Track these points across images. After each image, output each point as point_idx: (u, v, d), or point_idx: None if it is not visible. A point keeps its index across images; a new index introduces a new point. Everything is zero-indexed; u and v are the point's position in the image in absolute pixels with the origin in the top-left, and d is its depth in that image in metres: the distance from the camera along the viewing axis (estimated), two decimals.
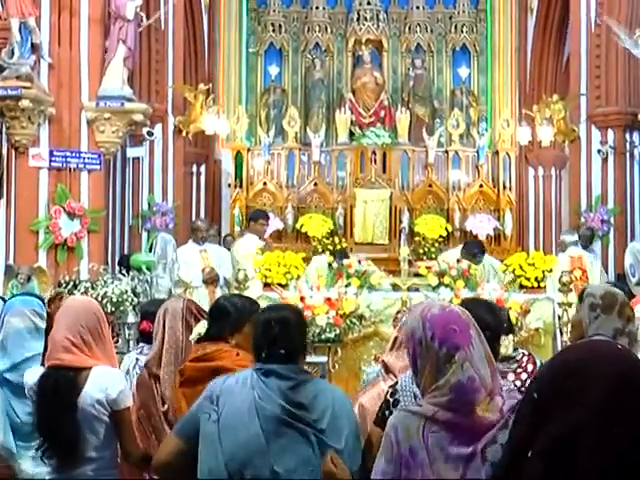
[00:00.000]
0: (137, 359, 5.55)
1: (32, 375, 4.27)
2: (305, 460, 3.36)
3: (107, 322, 4.39)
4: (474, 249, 11.24)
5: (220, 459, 3.38)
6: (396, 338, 4.41)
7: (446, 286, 9.11)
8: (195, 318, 4.76)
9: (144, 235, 13.51)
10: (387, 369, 4.29)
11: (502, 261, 10.07)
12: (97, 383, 4.07)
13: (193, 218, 16.63)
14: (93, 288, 9.17)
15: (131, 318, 9.22)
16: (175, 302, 5.12)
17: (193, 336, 4.44)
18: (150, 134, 12.86)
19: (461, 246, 11.73)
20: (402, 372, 4.05)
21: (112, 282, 9.45)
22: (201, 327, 4.42)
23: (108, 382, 4.10)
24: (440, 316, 3.06)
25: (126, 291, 9.39)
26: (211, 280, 10.96)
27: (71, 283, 9.37)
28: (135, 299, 9.43)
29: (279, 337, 3.57)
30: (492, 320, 3.84)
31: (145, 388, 4.73)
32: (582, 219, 14.17)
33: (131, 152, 13.34)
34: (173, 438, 3.69)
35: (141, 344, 5.82)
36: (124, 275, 9.76)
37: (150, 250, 11.81)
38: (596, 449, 1.77)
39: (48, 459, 4.11)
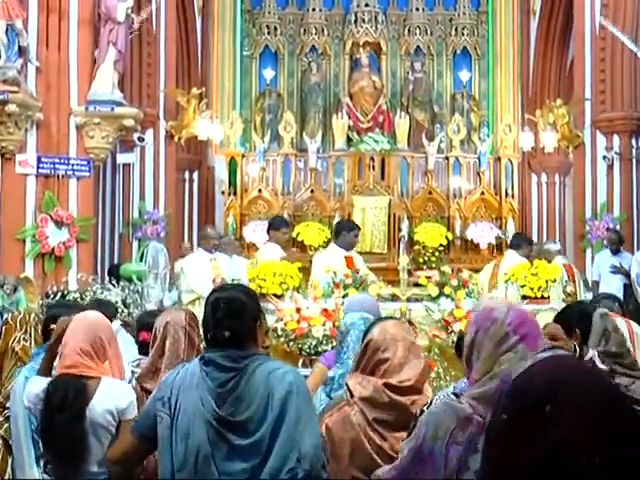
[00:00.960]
0: (133, 372, 5.53)
1: (36, 384, 4.32)
2: (249, 469, 3.37)
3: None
4: (518, 241, 11.40)
5: (173, 464, 3.46)
6: (362, 356, 4.27)
7: (447, 296, 9.10)
8: (197, 331, 4.74)
9: (135, 244, 13.50)
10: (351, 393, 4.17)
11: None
12: (107, 393, 4.15)
13: (185, 226, 16.65)
14: (82, 299, 9.15)
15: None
16: (176, 314, 5.09)
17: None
18: (141, 140, 12.87)
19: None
20: (361, 402, 4.03)
21: (101, 292, 9.44)
22: None
23: (118, 393, 4.19)
24: (522, 310, 3.15)
25: (116, 302, 9.36)
26: None
27: (59, 294, 9.34)
28: (125, 310, 9.41)
29: (225, 318, 3.55)
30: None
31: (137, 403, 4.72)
32: (587, 227, 14.19)
33: (121, 158, 13.33)
34: (127, 436, 3.83)
35: (138, 356, 5.80)
36: (114, 285, 9.75)
37: (141, 259, 11.80)
38: (576, 470, 1.76)
39: (51, 470, 4.13)
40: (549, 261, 11.32)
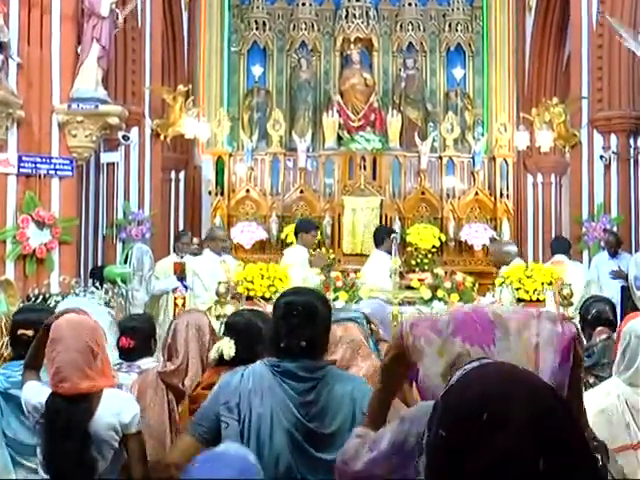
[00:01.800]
0: (112, 376, 5.55)
1: (33, 392, 4.25)
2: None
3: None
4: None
5: None
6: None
7: (440, 299, 9.13)
8: (215, 335, 4.77)
9: (119, 246, 13.47)
10: None
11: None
12: (109, 408, 4.10)
13: (171, 228, 16.63)
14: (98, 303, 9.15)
15: None
16: (198, 316, 5.15)
17: (214, 356, 4.36)
18: (126, 138, 12.85)
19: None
20: None
21: (84, 296, 9.41)
22: (227, 347, 4.32)
23: (120, 406, 4.14)
24: (460, 318, 3.16)
25: (99, 305, 9.35)
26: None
27: (41, 297, 9.32)
28: None
29: (300, 326, 3.47)
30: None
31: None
32: (583, 229, 14.22)
33: (105, 157, 13.32)
34: (187, 437, 3.66)
35: (118, 361, 5.82)
36: (97, 288, 9.72)
37: (125, 261, 11.80)
38: (524, 477, 1.78)
39: None
40: (507, 263, 11.41)
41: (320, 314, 3.56)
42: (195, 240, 13.40)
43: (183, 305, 11.42)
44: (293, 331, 3.47)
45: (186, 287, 11.56)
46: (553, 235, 17.31)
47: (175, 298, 11.52)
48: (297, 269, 10.22)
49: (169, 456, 3.81)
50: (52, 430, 4.05)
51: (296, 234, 12.08)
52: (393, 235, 11.40)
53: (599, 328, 6.13)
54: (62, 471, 4.02)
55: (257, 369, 3.52)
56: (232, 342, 4.25)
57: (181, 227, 17.04)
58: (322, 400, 3.39)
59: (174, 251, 12.62)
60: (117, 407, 4.12)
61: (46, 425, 4.08)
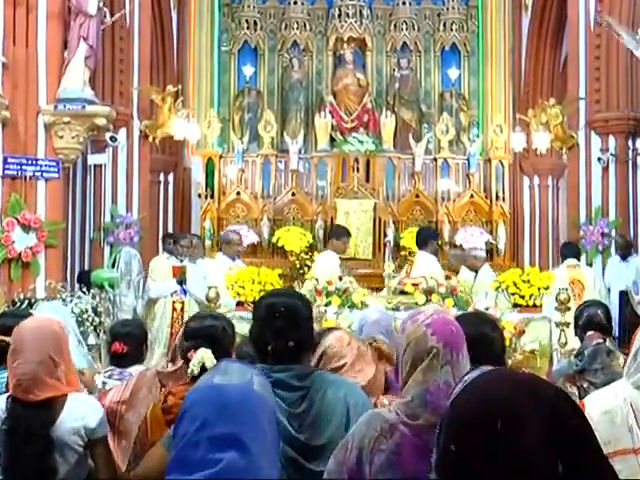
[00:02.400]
0: (104, 382, 5.54)
1: None
2: None
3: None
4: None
5: None
6: (322, 354, 4.37)
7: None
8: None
9: (106, 249, 13.44)
10: None
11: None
12: (74, 412, 4.07)
13: (160, 231, 16.60)
14: (65, 305, 9.13)
15: (92, 339, 9.19)
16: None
17: (196, 370, 4.26)
18: (113, 140, 12.82)
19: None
20: None
21: (71, 300, 9.42)
22: (209, 359, 4.24)
23: (86, 411, 4.11)
24: (443, 316, 3.18)
25: (86, 310, 9.36)
26: None
27: (26, 301, 9.30)
28: (96, 319, 9.40)
29: (286, 327, 3.47)
30: (498, 336, 3.95)
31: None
32: (581, 232, 14.23)
33: (93, 159, 13.29)
34: (162, 449, 3.61)
35: (110, 367, 5.81)
36: (84, 293, 9.73)
37: (113, 266, 11.79)
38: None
39: None
40: (475, 269, 11.46)
41: (303, 315, 3.58)
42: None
43: (182, 310, 11.41)
44: (279, 333, 3.46)
45: (185, 291, 11.51)
46: (550, 239, 17.37)
47: (173, 302, 11.50)
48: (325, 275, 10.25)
49: (140, 468, 3.79)
50: (13, 436, 4.01)
51: (329, 239, 12.16)
52: (345, 239, 11.56)
53: (589, 333, 6.15)
54: (23, 477, 4.00)
55: None
56: (210, 352, 4.22)
57: (170, 231, 17.01)
58: (314, 409, 3.37)
59: (172, 254, 12.39)
60: (82, 412, 4.09)
61: (6, 431, 4.04)
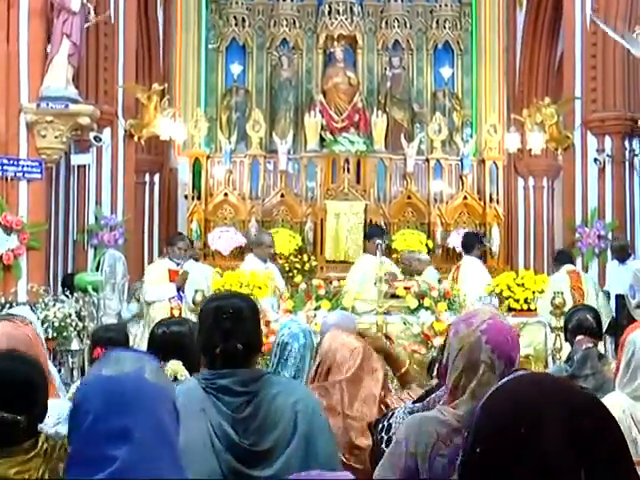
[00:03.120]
0: None
1: None
2: None
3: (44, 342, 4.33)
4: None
5: None
6: (319, 364, 4.40)
7: (426, 309, 9.14)
8: None
9: (90, 252, 13.41)
10: None
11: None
12: (49, 418, 4.03)
13: (145, 233, 16.59)
14: (33, 311, 9.09)
15: (75, 345, 9.18)
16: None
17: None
18: (98, 139, 12.81)
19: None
20: (329, 414, 4.09)
21: (54, 305, 9.40)
22: (180, 370, 4.23)
23: (60, 417, 4.08)
24: (499, 322, 3.16)
25: (70, 315, 9.35)
26: None
27: (7, 305, 9.29)
28: (80, 323, 9.40)
29: (234, 329, 3.47)
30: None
31: None
32: (577, 234, 14.25)
33: (76, 159, 13.27)
34: None
35: None
36: (68, 297, 9.72)
37: (97, 269, 11.77)
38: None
39: None
40: (419, 272, 11.52)
41: (250, 316, 3.58)
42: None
43: (180, 316, 11.34)
44: (227, 335, 3.46)
45: (181, 298, 11.39)
46: (545, 241, 17.41)
47: (172, 309, 11.44)
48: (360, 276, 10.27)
49: None
50: None
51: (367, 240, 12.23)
52: (378, 240, 11.47)
53: (579, 337, 6.16)
54: None
55: (189, 386, 3.50)
56: (180, 364, 4.22)
57: (156, 233, 17.01)
58: (261, 414, 3.37)
59: (168, 257, 12.29)
60: (55, 418, 4.07)
61: None
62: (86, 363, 8.75)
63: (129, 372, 2.49)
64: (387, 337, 8.60)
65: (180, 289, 11.33)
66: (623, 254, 12.94)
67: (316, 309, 9.12)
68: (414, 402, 3.75)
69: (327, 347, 4.49)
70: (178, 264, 11.73)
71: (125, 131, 14.13)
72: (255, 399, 3.40)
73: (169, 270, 11.58)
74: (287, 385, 3.61)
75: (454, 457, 2.88)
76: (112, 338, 5.86)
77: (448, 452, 2.93)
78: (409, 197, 17.11)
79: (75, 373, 8.95)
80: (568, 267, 12.27)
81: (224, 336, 3.47)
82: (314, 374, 4.47)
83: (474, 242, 11.69)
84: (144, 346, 5.94)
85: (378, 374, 4.39)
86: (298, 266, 15.48)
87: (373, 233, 12.11)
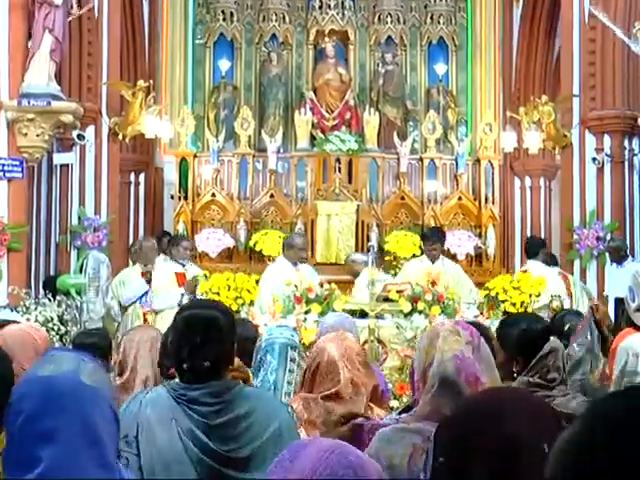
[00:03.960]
0: None
1: None
2: None
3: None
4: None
5: None
6: (304, 374, 4.40)
7: (420, 312, 9.14)
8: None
9: (73, 254, 13.41)
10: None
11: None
12: None
13: (130, 234, 16.56)
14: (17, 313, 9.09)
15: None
16: (152, 332, 5.15)
17: None
18: (81, 138, 12.79)
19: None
20: (309, 428, 4.09)
21: (35, 308, 9.37)
22: None
23: None
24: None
25: (52, 318, 9.32)
26: None
27: None
28: (62, 328, 9.36)
29: (204, 344, 3.43)
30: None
31: None
32: (575, 236, 14.26)
33: (59, 158, 13.25)
34: None
35: None
36: (50, 300, 9.68)
37: (80, 271, 11.73)
38: None
39: None
40: (356, 274, 11.57)
41: (224, 329, 3.52)
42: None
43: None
44: (196, 350, 3.43)
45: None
46: None
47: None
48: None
49: None
50: None
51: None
52: (434, 245, 11.68)
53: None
54: None
55: (158, 395, 3.47)
56: None
57: (141, 234, 16.97)
58: (237, 426, 3.36)
59: (171, 259, 12.18)
60: None
61: None
62: None
63: (65, 372, 2.49)
64: (380, 342, 8.61)
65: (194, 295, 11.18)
66: (619, 255, 12.96)
67: (306, 313, 9.11)
68: (400, 412, 3.76)
69: (314, 352, 4.49)
70: (183, 265, 11.68)
71: (109, 129, 14.12)
72: (229, 409, 3.38)
73: (176, 274, 11.52)
74: (261, 400, 3.58)
75: (427, 463, 2.91)
76: (94, 343, 5.83)
77: (427, 464, 2.87)
78: (402, 197, 17.10)
79: None
80: (557, 269, 12.32)
81: (191, 352, 3.44)
82: (302, 380, 4.47)
83: (538, 247, 11.81)
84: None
85: (363, 389, 4.37)
86: None
87: (434, 235, 12.23)
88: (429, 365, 3.10)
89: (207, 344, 3.44)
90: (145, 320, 11.29)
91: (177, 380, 3.53)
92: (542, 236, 17.53)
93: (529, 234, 17.73)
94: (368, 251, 12.39)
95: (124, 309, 11.77)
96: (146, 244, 12.20)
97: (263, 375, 4.90)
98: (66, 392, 2.47)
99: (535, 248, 11.94)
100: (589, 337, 5.38)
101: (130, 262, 13.13)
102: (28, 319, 9.08)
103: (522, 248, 17.49)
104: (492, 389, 2.02)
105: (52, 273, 13.02)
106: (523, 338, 4.79)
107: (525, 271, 11.50)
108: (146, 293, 11.56)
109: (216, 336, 3.47)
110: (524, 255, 16.98)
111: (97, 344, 5.84)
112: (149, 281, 11.45)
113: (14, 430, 2.48)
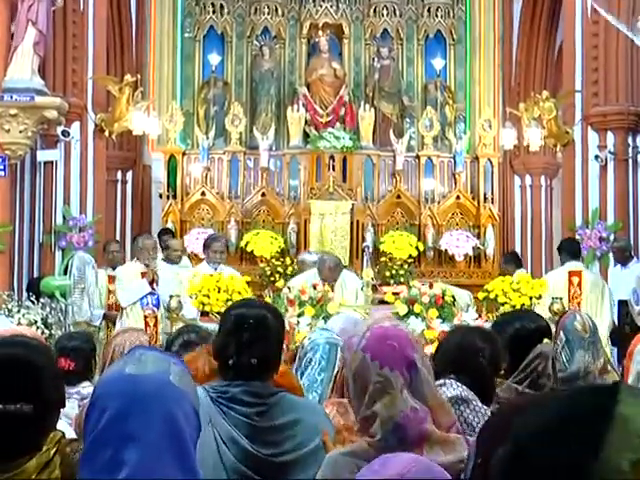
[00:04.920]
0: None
1: None
2: None
3: None
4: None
5: None
6: (336, 378, 4.40)
7: (417, 315, 9.12)
8: None
9: (58, 255, 13.38)
10: None
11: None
12: None
13: (117, 234, 16.53)
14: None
15: None
16: (138, 335, 5.11)
17: None
18: (66, 134, 12.78)
19: None
20: (344, 434, 4.08)
21: (19, 311, 9.36)
22: None
23: None
24: (379, 330, 3.13)
25: (35, 322, 9.30)
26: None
27: None
28: (47, 331, 9.34)
29: (253, 341, 3.46)
30: (488, 348, 3.93)
31: None
32: (577, 236, 14.25)
33: (43, 156, 13.23)
34: None
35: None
36: (33, 302, 9.66)
37: (65, 272, 11.71)
38: None
39: None
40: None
41: (273, 328, 3.56)
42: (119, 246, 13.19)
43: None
44: (244, 347, 3.45)
45: (158, 304, 11.14)
46: (543, 244, 17.43)
47: (145, 317, 11.32)
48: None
49: None
50: None
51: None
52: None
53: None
54: None
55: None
56: None
57: (128, 234, 16.94)
58: (281, 427, 3.37)
59: (206, 262, 12.09)
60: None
61: None
62: None
63: (151, 373, 2.48)
64: None
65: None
66: (624, 256, 12.96)
67: (299, 316, 9.09)
68: None
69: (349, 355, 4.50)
70: (215, 268, 11.61)
71: (95, 125, 14.09)
72: (273, 413, 3.40)
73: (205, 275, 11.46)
74: (308, 410, 3.60)
75: None
76: (77, 347, 5.79)
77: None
78: (398, 196, 17.10)
79: None
80: (571, 266, 12.25)
81: (239, 348, 3.46)
82: (333, 382, 4.47)
83: (576, 247, 11.92)
84: None
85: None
86: (280, 270, 15.45)
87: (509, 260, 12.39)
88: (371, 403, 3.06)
89: (255, 342, 3.46)
90: (146, 324, 11.22)
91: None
92: (543, 237, 17.58)
93: (529, 234, 17.75)
94: (363, 252, 12.38)
95: (120, 310, 11.60)
96: (147, 242, 12.11)
97: (311, 374, 4.89)
98: (153, 393, 2.46)
99: (575, 250, 12.12)
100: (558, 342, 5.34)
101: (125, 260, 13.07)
102: (11, 322, 9.07)
103: (522, 249, 17.54)
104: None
105: (36, 275, 12.99)
106: (515, 337, 4.77)
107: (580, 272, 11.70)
108: (150, 294, 11.36)
109: (264, 335, 3.50)
110: (525, 256, 17.07)
111: (78, 347, 5.79)
112: (152, 282, 11.28)
113: (96, 430, 2.46)
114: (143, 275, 11.24)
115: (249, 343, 3.46)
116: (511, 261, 13.95)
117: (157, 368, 2.49)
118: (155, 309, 10.96)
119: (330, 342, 4.93)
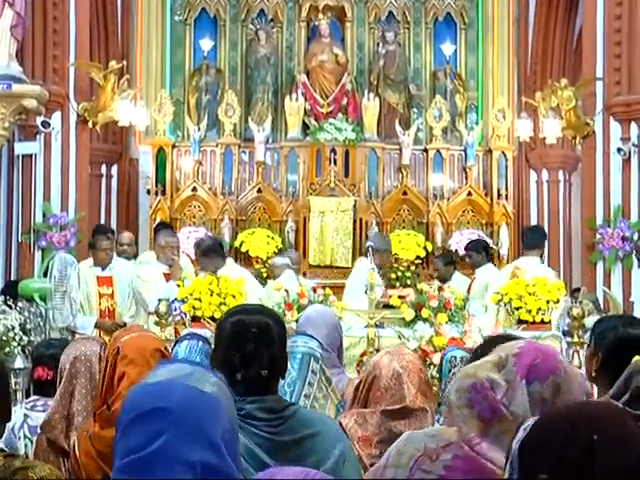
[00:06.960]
0: (26, 415, 5.48)
1: None
2: None
3: None
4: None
5: None
6: (357, 389, 4.41)
7: (425, 321, 9.12)
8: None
9: (37, 255, 13.39)
10: None
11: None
12: None
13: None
14: None
15: (19, 362, 9.12)
16: (89, 344, 5.06)
17: None
18: (46, 125, 12.77)
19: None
20: (362, 445, 4.09)
21: None
22: None
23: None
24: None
25: (13, 327, 9.29)
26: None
27: None
28: (25, 338, 9.33)
29: (258, 351, 3.47)
30: None
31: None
32: (598, 235, 14.24)
33: (21, 148, 13.23)
34: None
35: (33, 397, 5.75)
36: (10, 307, 9.65)
37: (45, 274, 11.71)
38: None
39: None
40: (275, 277, 11.59)
41: (276, 334, 3.56)
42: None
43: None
44: (249, 359, 3.46)
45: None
46: (561, 243, 17.44)
47: None
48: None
49: None
50: None
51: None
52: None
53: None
54: None
55: None
56: None
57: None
58: (299, 441, 3.39)
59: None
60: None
61: None
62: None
63: (196, 386, 2.49)
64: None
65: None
66: None
67: (297, 321, 9.09)
68: None
69: (370, 366, 4.52)
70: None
71: (78, 116, 14.08)
72: (291, 428, 3.42)
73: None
74: (325, 423, 3.62)
75: (438, 475, 2.95)
76: (55, 355, 5.74)
77: (432, 468, 2.95)
78: (405, 193, 17.12)
79: (19, 395, 8.88)
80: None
81: (245, 361, 3.46)
82: (354, 393, 4.49)
83: (541, 239, 11.91)
84: None
85: (428, 407, 4.40)
86: None
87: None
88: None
89: (260, 352, 3.46)
90: (176, 333, 11.10)
91: None
92: (561, 236, 17.56)
93: (547, 234, 17.75)
94: (367, 252, 12.39)
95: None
96: (169, 239, 12.04)
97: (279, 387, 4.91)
98: (210, 408, 2.47)
99: (537, 240, 11.91)
100: None
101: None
102: None
103: (566, 249, 17.48)
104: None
105: (13, 277, 13.00)
106: (619, 341, 4.69)
107: (518, 268, 11.44)
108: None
109: (269, 343, 3.50)
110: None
111: (56, 355, 5.75)
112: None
113: (138, 449, 2.47)
114: (167, 276, 11.22)
115: (254, 354, 3.46)
116: (449, 264, 13.89)
117: (200, 382, 2.50)
118: (184, 316, 10.88)
119: (306, 352, 4.93)
